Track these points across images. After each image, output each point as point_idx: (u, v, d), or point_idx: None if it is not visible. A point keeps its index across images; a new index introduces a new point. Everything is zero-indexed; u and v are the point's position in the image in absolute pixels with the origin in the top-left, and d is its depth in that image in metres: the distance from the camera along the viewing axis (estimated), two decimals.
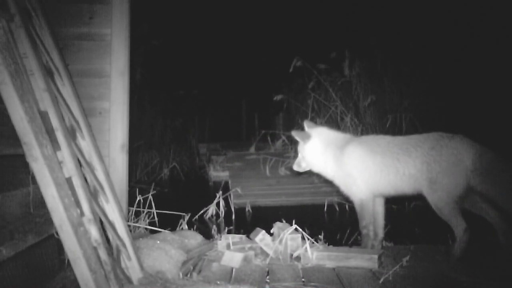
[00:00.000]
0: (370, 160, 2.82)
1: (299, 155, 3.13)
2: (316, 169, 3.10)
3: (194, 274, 2.50)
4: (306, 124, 3.14)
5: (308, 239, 2.83)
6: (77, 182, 2.09)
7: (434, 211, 2.71)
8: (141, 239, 2.63)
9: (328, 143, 3.00)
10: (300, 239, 2.78)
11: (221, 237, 3.06)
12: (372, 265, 2.60)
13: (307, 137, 3.03)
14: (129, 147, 2.99)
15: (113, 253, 2.23)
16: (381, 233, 2.97)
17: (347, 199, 3.08)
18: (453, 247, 2.70)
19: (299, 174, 3.29)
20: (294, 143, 6.85)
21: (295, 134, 3.07)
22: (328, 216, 4.57)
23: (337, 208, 4.72)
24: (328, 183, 3.18)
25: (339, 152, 2.92)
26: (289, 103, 7.59)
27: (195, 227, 3.63)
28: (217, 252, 2.90)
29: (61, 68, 2.42)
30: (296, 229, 2.84)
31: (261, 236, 2.85)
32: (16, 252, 1.88)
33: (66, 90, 2.41)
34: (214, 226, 3.71)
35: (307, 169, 3.15)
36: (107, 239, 2.23)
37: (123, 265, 2.24)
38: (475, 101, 5.87)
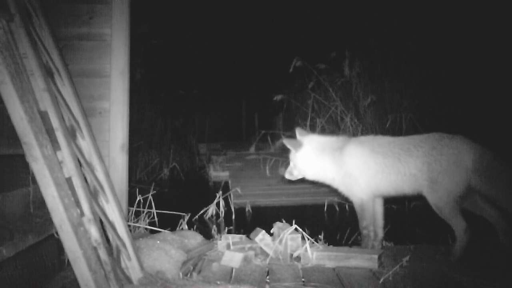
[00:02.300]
0: (371, 160, 2.81)
1: (291, 163, 3.10)
2: (311, 176, 3.06)
3: (194, 274, 2.50)
4: (298, 132, 3.11)
5: (308, 239, 2.83)
6: (77, 182, 2.09)
7: (434, 211, 2.72)
8: (141, 239, 2.63)
9: (323, 148, 2.98)
10: (300, 239, 2.78)
11: (221, 237, 3.06)
12: (372, 265, 2.60)
13: (299, 145, 3.00)
14: (129, 147, 2.99)
15: (113, 253, 2.23)
16: (381, 233, 2.97)
17: (347, 199, 3.08)
18: (453, 247, 2.70)
19: (290, 182, 3.26)
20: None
21: (286, 142, 3.02)
22: (328, 216, 4.56)
23: (337, 208, 4.72)
24: (326, 186, 3.17)
25: (338, 153, 2.91)
26: (289, 103, 7.59)
27: (195, 227, 3.63)
28: (217, 252, 2.90)
29: (61, 68, 2.42)
30: (296, 229, 2.84)
31: (261, 236, 2.85)
32: (16, 252, 1.89)
33: (66, 90, 2.41)
34: (214, 226, 3.71)
35: (300, 177, 3.11)
36: (107, 239, 2.23)
37: (123, 265, 2.24)
38: (475, 101, 5.87)
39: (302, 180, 3.20)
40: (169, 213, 3.64)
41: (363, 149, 2.86)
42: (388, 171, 2.78)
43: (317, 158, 2.97)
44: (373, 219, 2.91)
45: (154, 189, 3.73)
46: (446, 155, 2.66)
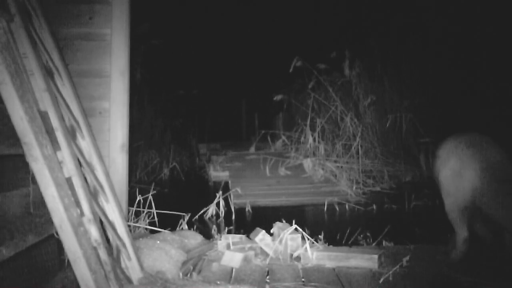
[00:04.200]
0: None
1: None
2: None
3: (194, 274, 2.50)
4: None
5: (308, 239, 2.83)
6: (77, 182, 2.09)
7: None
8: (141, 239, 2.63)
9: None
10: (300, 239, 2.78)
11: (221, 237, 3.06)
12: (372, 265, 2.60)
13: None
14: (129, 147, 2.99)
15: (113, 253, 2.23)
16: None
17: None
18: (451, 251, 2.69)
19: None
20: (294, 143, 6.88)
21: None
22: (328, 216, 4.57)
23: (337, 208, 4.72)
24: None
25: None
26: (289, 103, 7.61)
27: (195, 227, 3.63)
28: (217, 252, 2.90)
29: (61, 68, 2.42)
30: (296, 229, 2.84)
31: (261, 236, 2.85)
32: (16, 252, 1.88)
33: (66, 90, 2.41)
34: (214, 226, 3.71)
35: None
36: (107, 239, 2.23)
37: (123, 265, 2.24)
38: (475, 101, 5.87)
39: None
40: (169, 213, 3.63)
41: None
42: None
43: None
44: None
45: (154, 189, 3.73)
46: (453, 163, 2.61)
